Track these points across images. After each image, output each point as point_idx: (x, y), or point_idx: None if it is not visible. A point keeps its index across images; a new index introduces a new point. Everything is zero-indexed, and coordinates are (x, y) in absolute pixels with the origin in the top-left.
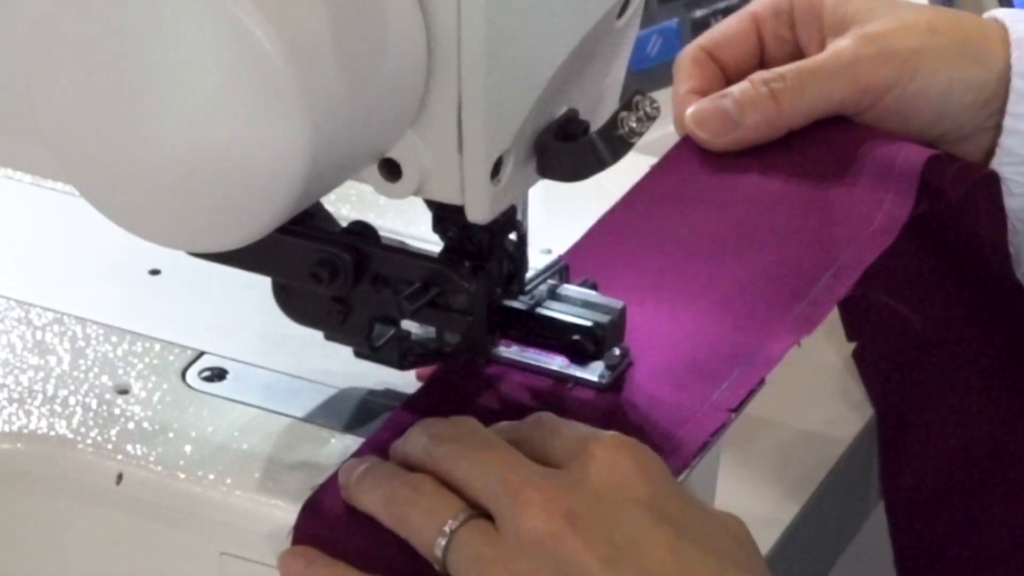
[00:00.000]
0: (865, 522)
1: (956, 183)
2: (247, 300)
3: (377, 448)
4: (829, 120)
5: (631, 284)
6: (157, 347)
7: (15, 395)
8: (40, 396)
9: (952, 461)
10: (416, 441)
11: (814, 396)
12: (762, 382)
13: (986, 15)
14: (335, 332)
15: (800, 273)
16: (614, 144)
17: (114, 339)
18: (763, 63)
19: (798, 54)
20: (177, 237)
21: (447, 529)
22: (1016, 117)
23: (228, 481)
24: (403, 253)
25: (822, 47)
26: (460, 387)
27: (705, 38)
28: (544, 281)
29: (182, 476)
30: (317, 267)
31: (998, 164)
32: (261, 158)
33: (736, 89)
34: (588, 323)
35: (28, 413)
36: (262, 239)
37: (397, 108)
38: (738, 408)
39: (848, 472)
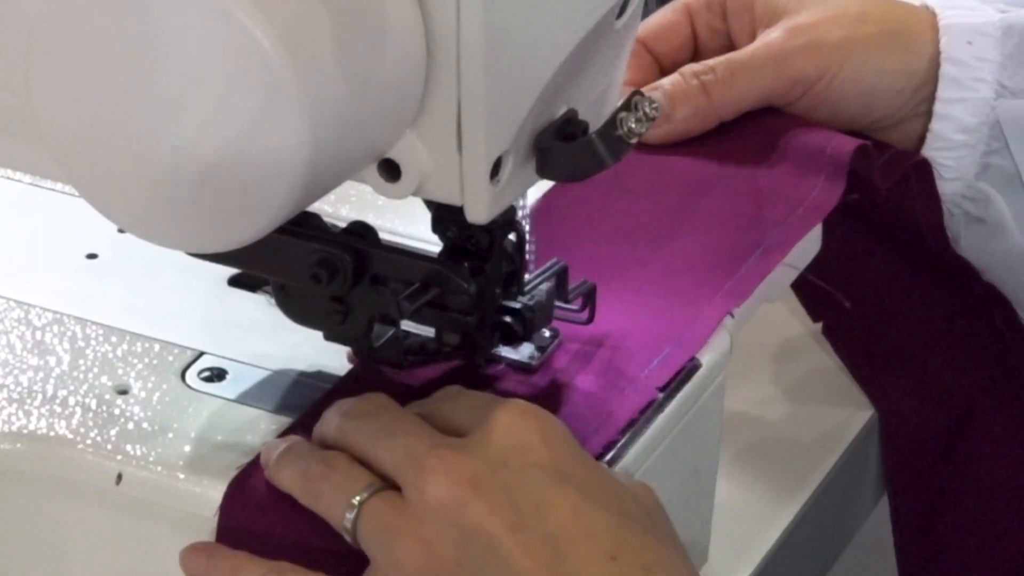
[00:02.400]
0: (865, 522)
1: (887, 172)
2: (192, 285)
3: (305, 429)
4: (759, 111)
5: None
6: (156, 347)
7: (15, 395)
8: (40, 396)
9: (931, 426)
10: (330, 420)
11: (814, 396)
12: (693, 361)
13: (918, 1)
14: (334, 332)
15: (729, 254)
16: (613, 144)
17: (114, 339)
18: (696, 53)
19: (730, 45)
20: (176, 237)
21: (355, 501)
22: (946, 103)
23: (228, 481)
24: (403, 253)
25: (753, 38)
26: (386, 375)
27: (640, 29)
28: (543, 281)
29: (182, 476)
30: (317, 267)
31: (929, 150)
32: (260, 159)
33: (667, 82)
34: (516, 305)
35: (28, 413)
36: (262, 239)
37: (396, 108)
38: (666, 387)
39: (848, 472)
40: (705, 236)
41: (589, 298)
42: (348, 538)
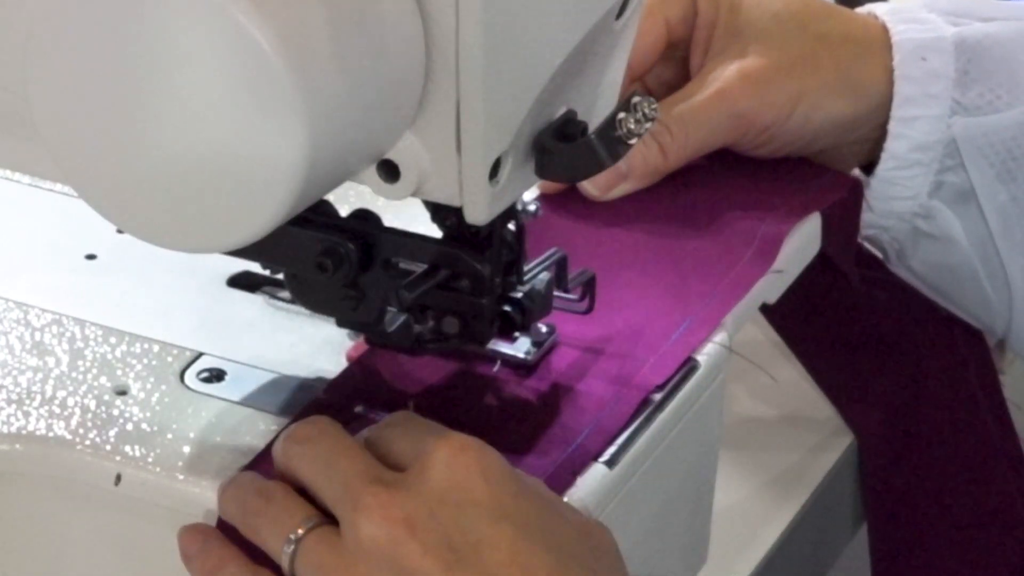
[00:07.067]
0: (864, 523)
1: (820, 197)
2: (191, 286)
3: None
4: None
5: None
6: (155, 348)
7: (14, 396)
8: (39, 397)
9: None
10: (278, 443)
11: (814, 396)
12: (691, 362)
13: (866, 9)
14: (348, 318)
15: (654, 329)
16: (612, 145)
17: (112, 340)
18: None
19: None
20: (175, 238)
21: (293, 537)
22: (901, 121)
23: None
24: (411, 236)
25: (706, 51)
26: (380, 375)
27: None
28: (543, 271)
29: (180, 477)
30: (322, 256)
31: (884, 169)
32: (259, 159)
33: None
34: (516, 295)
35: (27, 414)
36: None
37: (395, 109)
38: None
39: (848, 472)
40: (632, 309)
41: (589, 287)
42: (287, 573)
